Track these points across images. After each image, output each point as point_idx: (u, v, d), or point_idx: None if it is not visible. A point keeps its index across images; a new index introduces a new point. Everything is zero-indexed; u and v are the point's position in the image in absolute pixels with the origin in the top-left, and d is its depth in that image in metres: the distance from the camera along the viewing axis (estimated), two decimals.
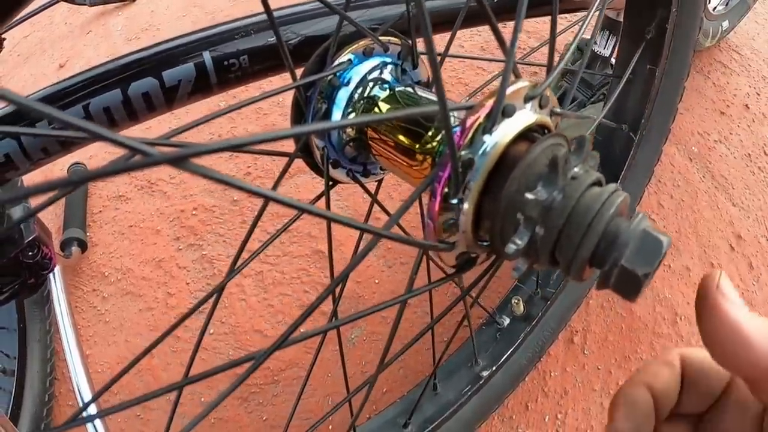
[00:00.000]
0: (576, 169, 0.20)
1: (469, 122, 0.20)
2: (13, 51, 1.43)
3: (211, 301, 0.39)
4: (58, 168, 1.05)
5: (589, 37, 0.96)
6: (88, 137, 0.15)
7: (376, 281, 0.81)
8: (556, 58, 1.09)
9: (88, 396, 0.75)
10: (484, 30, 1.21)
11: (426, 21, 0.16)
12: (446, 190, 0.20)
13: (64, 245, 0.90)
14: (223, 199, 0.94)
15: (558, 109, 0.24)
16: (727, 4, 1.22)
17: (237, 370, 0.76)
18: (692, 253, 0.86)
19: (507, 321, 0.63)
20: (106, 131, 0.14)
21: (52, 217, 1.00)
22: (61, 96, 0.38)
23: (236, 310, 0.81)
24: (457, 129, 0.20)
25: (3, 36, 0.70)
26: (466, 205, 0.21)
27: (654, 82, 0.60)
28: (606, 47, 0.86)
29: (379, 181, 0.37)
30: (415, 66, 0.31)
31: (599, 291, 0.75)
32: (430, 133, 0.25)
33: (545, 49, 0.42)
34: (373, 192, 0.35)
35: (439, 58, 0.33)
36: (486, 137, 0.20)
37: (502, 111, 0.20)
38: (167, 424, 0.40)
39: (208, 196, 0.95)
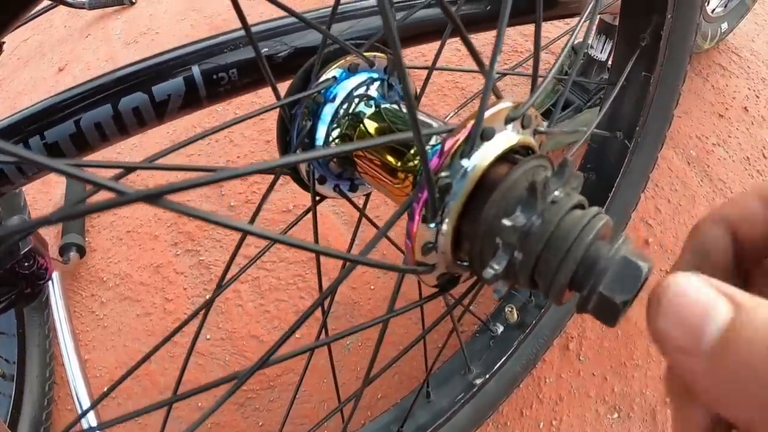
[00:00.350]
0: (556, 193, 0.20)
1: (447, 146, 0.20)
2: (12, 54, 1.43)
3: (206, 313, 0.39)
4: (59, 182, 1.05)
5: (581, 42, 0.96)
6: (55, 169, 0.15)
7: (372, 287, 0.81)
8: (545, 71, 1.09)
9: (86, 399, 0.75)
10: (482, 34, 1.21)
11: (395, 40, 0.16)
12: (424, 213, 0.20)
13: (63, 251, 0.90)
14: (220, 205, 0.94)
15: (542, 128, 0.24)
16: (725, 6, 1.21)
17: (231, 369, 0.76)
18: None
19: (501, 329, 0.63)
20: (70, 167, 0.14)
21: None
22: (53, 111, 0.38)
23: (233, 315, 0.81)
24: (436, 150, 0.20)
25: (3, 40, 0.70)
26: (444, 227, 0.21)
27: (649, 88, 0.59)
28: (603, 52, 0.86)
29: (367, 195, 0.37)
30: (401, 80, 0.31)
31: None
32: (411, 152, 0.25)
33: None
34: (361, 205, 0.35)
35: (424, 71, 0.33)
36: (464, 161, 0.20)
37: (481, 134, 0.20)
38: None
39: (206, 201, 0.95)
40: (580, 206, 0.20)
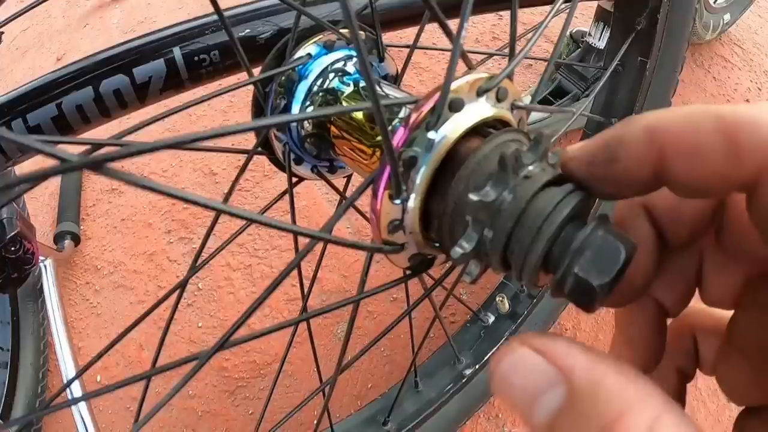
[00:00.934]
0: (531, 168, 0.19)
1: (411, 118, 0.19)
2: (11, 45, 1.43)
3: (179, 295, 0.39)
4: (52, 161, 1.05)
5: (577, 28, 0.95)
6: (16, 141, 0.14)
7: (361, 274, 0.81)
8: (538, 51, 1.08)
9: (77, 386, 0.75)
10: (475, 19, 1.20)
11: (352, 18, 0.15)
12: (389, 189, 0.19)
13: (58, 239, 0.90)
14: (214, 192, 0.94)
15: (520, 103, 0.23)
16: None
17: (224, 363, 0.76)
18: None
19: (492, 318, 0.62)
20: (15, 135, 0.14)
21: (46, 210, 1.00)
22: (35, 94, 0.38)
23: (225, 303, 0.81)
24: (401, 125, 0.19)
25: (1, 30, 0.69)
26: (411, 204, 0.20)
27: (645, 74, 0.58)
28: (601, 39, 0.85)
29: (348, 177, 0.36)
30: (381, 59, 0.31)
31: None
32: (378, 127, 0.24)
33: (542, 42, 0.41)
34: (342, 189, 0.35)
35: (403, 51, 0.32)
36: (431, 133, 0.19)
37: (449, 105, 0.19)
38: (137, 410, 0.40)
39: (199, 189, 0.95)
40: (557, 182, 0.19)
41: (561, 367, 0.15)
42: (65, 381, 0.76)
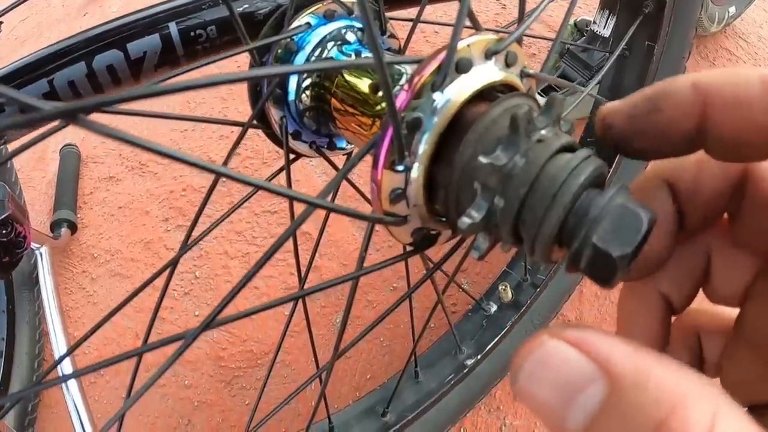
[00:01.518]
0: (543, 132, 0.18)
1: (416, 78, 0.18)
2: (10, 34, 1.42)
3: (170, 275, 0.37)
4: (50, 149, 1.04)
5: (581, 17, 0.93)
6: None
7: (360, 249, 0.80)
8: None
9: (68, 367, 0.75)
10: (479, 8, 1.18)
11: None
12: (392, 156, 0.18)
13: (54, 226, 0.90)
14: (212, 180, 0.93)
15: (530, 71, 0.22)
16: None
17: (220, 353, 0.75)
18: None
19: (494, 308, 0.61)
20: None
21: (43, 198, 1.00)
22: (28, 70, 0.37)
23: (222, 291, 0.80)
24: (404, 87, 0.18)
25: (0, 19, 0.68)
26: (414, 173, 0.19)
27: (653, 59, 0.57)
28: (606, 27, 0.83)
29: (348, 155, 0.35)
30: (383, 32, 0.29)
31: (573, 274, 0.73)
32: (380, 93, 0.23)
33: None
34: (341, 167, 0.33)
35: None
36: (436, 95, 0.18)
37: (456, 66, 0.18)
38: (128, 388, 0.39)
39: (198, 176, 0.94)
40: (570, 149, 0.18)
41: (600, 360, 0.13)
42: (60, 371, 0.75)
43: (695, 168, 0.19)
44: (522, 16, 0.22)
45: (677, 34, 0.57)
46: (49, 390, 0.79)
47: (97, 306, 0.85)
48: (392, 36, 0.34)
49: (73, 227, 0.91)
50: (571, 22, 0.97)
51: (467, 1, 0.17)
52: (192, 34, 0.38)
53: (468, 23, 0.20)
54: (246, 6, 0.39)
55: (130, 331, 0.81)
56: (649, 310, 0.21)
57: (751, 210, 0.18)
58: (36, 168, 1.06)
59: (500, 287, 0.60)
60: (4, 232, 0.48)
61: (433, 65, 0.18)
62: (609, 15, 0.84)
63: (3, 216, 0.48)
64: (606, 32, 0.85)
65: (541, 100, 0.73)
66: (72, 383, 0.69)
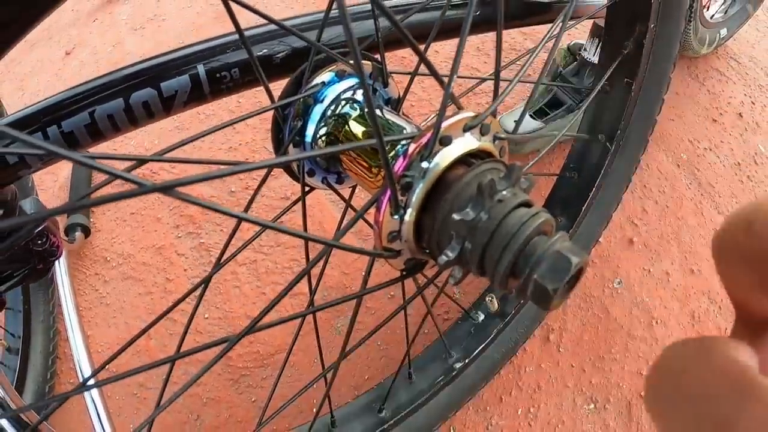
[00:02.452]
0: (504, 193, 0.23)
1: (409, 150, 0.23)
2: None
3: (203, 290, 0.43)
4: (66, 164, 1.09)
5: (575, 41, 0.99)
6: (76, 160, 0.18)
7: (363, 273, 0.85)
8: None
9: (88, 372, 0.79)
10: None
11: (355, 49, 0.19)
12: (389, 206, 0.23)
13: (69, 230, 0.94)
14: (221, 190, 0.98)
15: (502, 135, 0.27)
16: (725, 12, 1.23)
17: (229, 353, 0.80)
18: (673, 258, 0.88)
19: (481, 317, 0.66)
20: (88, 159, 0.18)
21: (56, 202, 1.04)
22: (69, 103, 0.41)
23: (230, 296, 0.85)
24: (402, 153, 0.23)
25: None
26: (407, 219, 0.24)
27: (631, 94, 0.62)
28: (595, 54, 0.89)
29: (353, 187, 0.40)
30: (385, 85, 0.35)
31: (572, 295, 0.78)
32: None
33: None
34: (347, 196, 0.39)
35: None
36: (424, 163, 0.23)
37: (439, 140, 0.23)
38: (159, 396, 0.43)
39: (207, 186, 0.99)
40: (525, 205, 0.23)
41: None
42: (78, 367, 0.80)
43: None
44: (496, 93, 0.27)
45: (655, 72, 0.62)
46: (66, 389, 0.83)
47: (109, 307, 0.90)
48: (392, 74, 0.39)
49: (86, 231, 0.95)
50: (564, 45, 1.02)
51: (449, 90, 0.23)
52: (218, 75, 0.43)
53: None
54: (265, 50, 0.44)
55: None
56: None
57: None
58: (48, 172, 1.10)
59: (487, 298, 0.66)
60: (39, 242, 0.54)
61: (423, 141, 0.23)
62: (598, 43, 0.90)
63: (39, 228, 0.53)
64: (595, 59, 0.91)
65: (533, 124, 0.78)
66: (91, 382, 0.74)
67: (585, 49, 0.92)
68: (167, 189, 0.17)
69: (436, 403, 0.61)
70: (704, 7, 1.12)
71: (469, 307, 0.68)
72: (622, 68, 0.60)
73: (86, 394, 0.73)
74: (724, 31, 1.21)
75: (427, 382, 0.61)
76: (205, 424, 0.75)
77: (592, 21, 0.91)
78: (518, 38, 1.20)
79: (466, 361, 0.62)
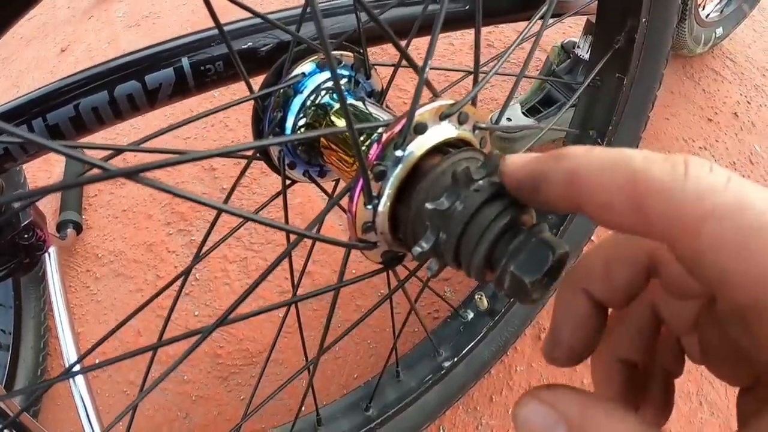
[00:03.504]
0: (480, 182, 0.23)
1: (383, 138, 0.23)
2: (15, 33, 1.45)
3: (183, 282, 0.42)
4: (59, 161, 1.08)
5: (568, 39, 0.98)
6: (52, 149, 0.18)
7: (353, 271, 0.84)
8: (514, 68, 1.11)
9: (78, 368, 0.79)
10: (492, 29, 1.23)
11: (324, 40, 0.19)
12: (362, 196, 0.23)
13: (60, 227, 0.93)
14: (213, 187, 0.97)
15: (482, 124, 0.27)
16: (721, 12, 1.22)
17: (218, 351, 0.79)
18: None
19: (471, 315, 0.66)
20: (65, 148, 0.17)
21: (49, 199, 1.04)
22: (55, 96, 0.41)
23: (220, 294, 0.85)
24: (376, 141, 0.23)
25: None
26: (381, 209, 0.24)
27: (622, 90, 0.62)
28: (588, 52, 0.88)
29: (336, 181, 0.40)
30: (368, 77, 0.34)
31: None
32: (361, 139, 0.28)
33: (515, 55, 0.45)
34: (331, 191, 0.38)
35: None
36: (398, 152, 0.23)
37: (414, 128, 0.23)
38: (141, 383, 0.43)
39: (199, 183, 0.98)
40: (502, 195, 0.23)
41: (561, 413, 0.18)
42: (67, 363, 0.79)
43: (603, 271, 0.21)
44: (476, 80, 0.27)
45: (647, 67, 0.62)
46: (56, 385, 0.83)
47: (100, 304, 0.89)
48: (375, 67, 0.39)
49: (78, 228, 0.95)
50: (558, 43, 1.01)
51: (424, 76, 0.22)
52: (202, 68, 0.43)
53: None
54: (250, 43, 0.44)
55: (132, 327, 0.86)
56: (612, 378, 0.24)
57: (667, 272, 0.21)
58: (41, 168, 1.10)
59: (476, 296, 0.66)
60: (26, 236, 0.53)
61: (396, 129, 0.23)
62: (591, 40, 0.89)
63: (26, 221, 0.53)
64: (588, 56, 0.91)
65: (525, 119, 0.78)
66: (79, 377, 0.73)
67: (578, 47, 0.91)
68: (132, 174, 0.17)
69: (424, 402, 0.61)
70: (700, 6, 1.12)
71: (458, 305, 0.68)
72: (614, 63, 0.60)
73: (73, 388, 0.73)
74: (719, 31, 1.21)
75: (416, 380, 0.61)
76: (194, 422, 0.75)
77: (585, 18, 0.91)
78: (512, 36, 1.20)
79: (455, 359, 0.62)
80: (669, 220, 0.16)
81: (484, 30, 1.20)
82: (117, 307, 0.88)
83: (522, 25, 1.07)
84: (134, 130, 1.10)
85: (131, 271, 0.91)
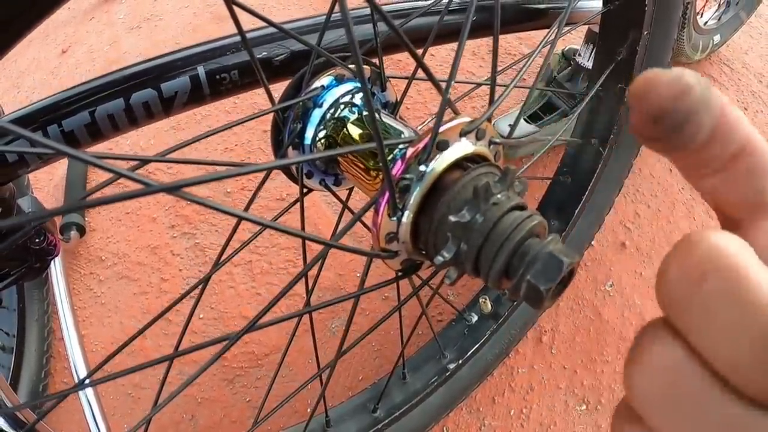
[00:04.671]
0: (499, 196, 0.24)
1: (408, 154, 0.24)
2: None
3: (202, 290, 0.43)
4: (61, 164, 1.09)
5: (569, 46, 1.00)
6: (86, 161, 0.19)
7: (357, 274, 0.85)
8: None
9: (83, 372, 0.79)
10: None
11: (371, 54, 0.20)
12: (387, 208, 0.24)
13: (64, 229, 0.94)
14: (217, 191, 0.98)
15: (497, 140, 0.28)
16: (719, 19, 1.24)
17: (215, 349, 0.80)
18: None
19: (475, 318, 0.67)
20: (98, 160, 0.18)
21: (51, 201, 1.04)
22: (70, 102, 0.41)
23: (225, 297, 0.86)
24: (400, 156, 0.24)
25: None
26: (404, 221, 0.25)
27: (624, 100, 0.63)
28: (589, 60, 0.90)
29: (350, 189, 0.41)
30: (383, 89, 0.35)
31: (563, 297, 0.78)
32: (378, 158, 0.29)
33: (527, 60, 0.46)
34: (345, 198, 0.39)
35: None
36: (422, 167, 0.24)
37: (436, 145, 0.24)
38: (156, 395, 0.44)
39: (203, 186, 0.99)
40: (519, 208, 0.24)
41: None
42: (73, 366, 0.80)
43: None
44: (492, 99, 0.28)
45: None
46: (59, 388, 0.83)
47: (104, 306, 0.90)
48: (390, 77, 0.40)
49: (81, 230, 0.95)
50: (559, 51, 1.03)
51: (447, 95, 0.23)
52: (217, 76, 0.44)
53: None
54: (264, 53, 0.45)
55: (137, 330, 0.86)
56: None
57: None
58: (44, 171, 1.10)
59: (481, 300, 0.67)
60: (37, 240, 0.54)
61: (421, 145, 0.24)
62: (593, 48, 0.91)
63: (37, 227, 0.53)
64: (590, 64, 0.92)
65: (528, 128, 0.79)
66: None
67: (579, 55, 0.93)
68: (174, 189, 0.18)
69: (429, 404, 0.62)
70: (698, 13, 1.13)
71: (462, 308, 0.69)
72: (616, 74, 0.61)
73: (81, 394, 0.73)
74: (717, 38, 1.22)
75: (421, 382, 0.62)
76: (199, 424, 0.75)
77: (587, 27, 0.92)
78: (514, 43, 1.21)
79: (460, 361, 0.63)
80: None
81: (484, 40, 1.21)
82: (121, 310, 0.88)
83: (526, 33, 1.08)
84: (136, 131, 1.11)
85: (135, 274, 0.92)
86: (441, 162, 0.25)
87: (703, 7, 1.17)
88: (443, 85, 0.22)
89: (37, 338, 0.87)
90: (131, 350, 0.84)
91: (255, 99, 1.08)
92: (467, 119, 0.25)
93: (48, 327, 0.89)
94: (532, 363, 0.78)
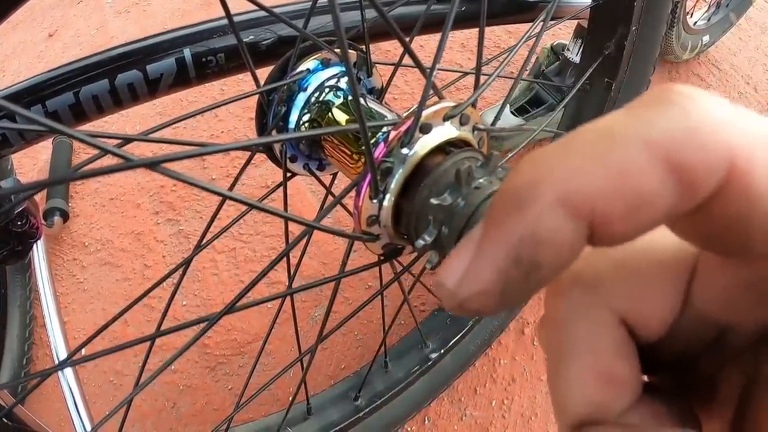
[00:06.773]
0: (481, 180, 0.24)
1: (390, 136, 0.24)
2: None
3: (183, 272, 0.43)
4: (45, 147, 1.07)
5: (558, 41, 1.00)
6: (75, 137, 0.19)
7: (343, 257, 0.85)
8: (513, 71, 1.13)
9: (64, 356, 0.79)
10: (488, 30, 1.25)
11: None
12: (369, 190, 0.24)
13: (47, 214, 0.93)
14: (202, 177, 0.98)
15: (481, 126, 0.28)
16: (708, 20, 1.25)
17: (205, 340, 0.79)
18: None
19: None
20: (87, 137, 0.18)
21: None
22: (54, 82, 0.41)
23: (209, 284, 0.85)
24: (383, 139, 0.24)
25: None
26: (386, 204, 0.25)
27: (611, 94, 0.64)
28: (577, 55, 0.90)
29: (334, 174, 0.41)
30: (369, 74, 0.35)
31: None
32: (361, 141, 0.29)
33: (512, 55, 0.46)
34: (328, 184, 0.39)
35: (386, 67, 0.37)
36: (404, 150, 0.24)
37: (419, 128, 0.24)
38: (137, 377, 0.44)
39: (188, 173, 0.98)
40: None
41: None
42: (54, 353, 0.79)
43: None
44: (478, 82, 0.28)
45: (636, 73, 0.64)
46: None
47: (87, 293, 0.89)
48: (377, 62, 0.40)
49: (65, 216, 0.94)
50: (548, 45, 1.03)
51: (432, 79, 0.23)
52: (203, 59, 0.43)
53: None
54: (251, 37, 0.44)
55: (120, 319, 0.85)
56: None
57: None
58: (27, 155, 1.08)
59: None
60: (19, 223, 0.53)
61: (403, 128, 0.24)
62: (581, 43, 0.91)
63: (20, 209, 0.53)
64: (578, 59, 0.92)
65: (514, 121, 0.80)
66: (68, 369, 0.73)
67: (568, 49, 0.93)
68: (154, 164, 0.18)
69: (411, 393, 0.62)
70: (688, 13, 1.14)
71: None
72: (603, 68, 0.62)
73: (62, 378, 0.73)
74: (706, 38, 1.23)
75: (404, 371, 0.62)
76: (181, 411, 0.75)
77: (576, 22, 0.92)
78: (503, 36, 1.21)
79: (442, 351, 0.64)
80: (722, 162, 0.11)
81: (473, 33, 1.21)
82: (104, 296, 0.88)
83: (515, 27, 1.08)
84: (121, 117, 1.10)
85: (118, 260, 0.91)
86: (423, 145, 0.25)
87: (693, 7, 1.18)
88: (428, 69, 0.23)
89: (19, 325, 0.86)
90: (114, 337, 0.83)
91: (242, 86, 1.07)
92: (451, 104, 0.25)
93: (30, 313, 0.88)
94: (514, 354, 0.78)
